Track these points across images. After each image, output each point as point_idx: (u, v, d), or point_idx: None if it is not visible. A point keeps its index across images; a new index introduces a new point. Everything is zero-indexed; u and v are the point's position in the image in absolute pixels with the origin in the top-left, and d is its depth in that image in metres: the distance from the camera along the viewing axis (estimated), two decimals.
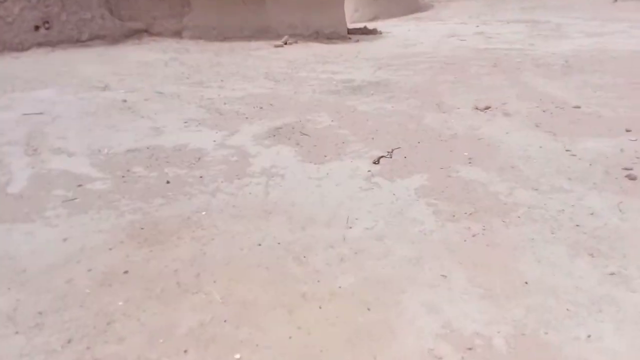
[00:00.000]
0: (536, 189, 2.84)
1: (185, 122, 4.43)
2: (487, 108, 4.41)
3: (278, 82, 6.08)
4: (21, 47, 6.88)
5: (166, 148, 3.77)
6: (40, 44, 7.07)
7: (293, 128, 4.21)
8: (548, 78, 5.69)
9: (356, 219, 2.58)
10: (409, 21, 14.00)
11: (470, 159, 3.35)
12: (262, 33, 9.47)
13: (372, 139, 3.87)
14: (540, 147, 3.53)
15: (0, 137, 3.86)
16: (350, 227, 2.48)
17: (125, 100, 5.06)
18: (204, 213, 2.69)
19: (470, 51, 8.05)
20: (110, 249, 2.34)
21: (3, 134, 3.94)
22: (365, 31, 11.39)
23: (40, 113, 4.47)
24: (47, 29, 7.11)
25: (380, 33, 11.45)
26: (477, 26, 11.56)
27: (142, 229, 2.52)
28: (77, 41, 7.54)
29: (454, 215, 2.54)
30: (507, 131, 3.87)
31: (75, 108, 4.72)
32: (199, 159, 3.55)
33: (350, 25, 12.75)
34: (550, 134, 3.80)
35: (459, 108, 4.58)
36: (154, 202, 2.83)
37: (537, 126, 3.98)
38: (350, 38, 10.62)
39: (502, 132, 3.87)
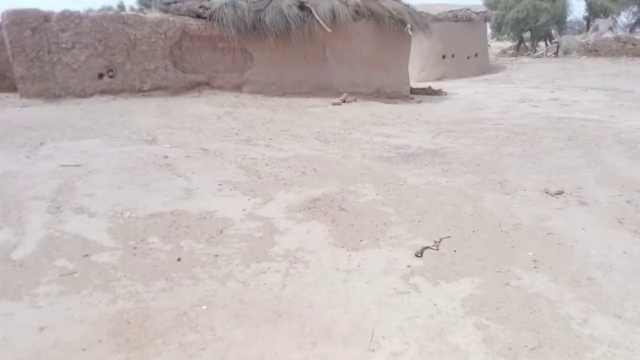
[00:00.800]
0: (619, 317, 2.21)
1: (220, 185, 4.16)
2: (560, 193, 3.79)
3: (328, 144, 5.77)
4: (84, 94, 7.11)
5: (191, 215, 3.47)
6: (103, 92, 7.28)
7: (332, 200, 3.80)
8: (633, 159, 4.96)
9: (382, 337, 2.07)
10: (477, 82, 13.52)
11: (535, 261, 2.75)
12: (322, 90, 9.34)
13: (419, 221, 3.37)
14: (624, 252, 2.87)
15: (29, 191, 3.74)
16: (373, 350, 1.98)
17: (166, 157, 4.91)
18: (204, 307, 2.30)
19: (542, 119, 7.41)
20: (83, 350, 1.98)
21: (33, 186, 3.84)
22: (429, 91, 11.03)
23: (78, 165, 4.39)
24: (110, 77, 7.33)
25: (445, 94, 11.04)
26: (552, 91, 10.86)
27: (128, 323, 2.16)
28: (139, 91, 7.72)
29: (510, 349, 1.97)
30: (583, 226, 3.24)
31: (115, 162, 4.60)
32: (222, 231, 3.20)
33: (415, 85, 12.45)
34: (636, 234, 3.13)
35: (525, 190, 3.98)
36: (154, 286, 2.48)
37: (620, 222, 3.31)
38: (412, 98, 10.28)
39: (577, 227, 3.24)
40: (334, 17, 8.60)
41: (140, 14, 7.68)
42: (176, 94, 7.98)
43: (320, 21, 8.49)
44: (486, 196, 3.87)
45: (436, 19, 14.15)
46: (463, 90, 11.64)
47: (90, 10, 7.69)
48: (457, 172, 4.56)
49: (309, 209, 3.64)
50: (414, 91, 10.90)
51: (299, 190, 4.05)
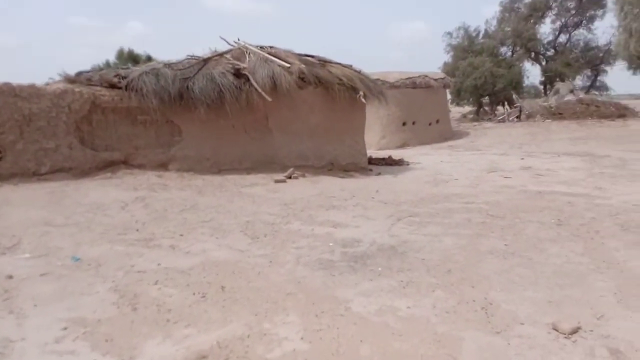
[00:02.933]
0: None
1: (65, 329, 2.70)
2: (575, 331, 2.48)
3: (255, 240, 4.40)
4: None
5: None
6: None
7: None
8: None
9: None
10: (441, 150, 12.65)
11: None
12: (266, 165, 8.11)
13: None
14: None
15: None
16: None
17: (11, 277, 3.43)
18: None
19: (519, 195, 6.29)
20: None
21: None
22: (389, 161, 9.96)
23: None
24: None
25: (407, 164, 9.99)
26: (522, 159, 9.98)
27: None
28: (34, 174, 6.27)
29: None
30: None
31: None
32: None
33: (375, 153, 11.46)
34: None
35: (522, 323, 2.66)
36: None
37: None
38: (371, 170, 9.16)
39: None
40: (274, 85, 7.54)
41: (37, 85, 6.40)
42: (83, 176, 6.55)
43: (259, 89, 7.40)
44: (466, 338, 2.52)
45: (393, 86, 13.49)
46: (426, 159, 10.65)
47: None
48: (422, 287, 3.23)
49: None
50: (372, 161, 9.82)
51: (183, 337, 2.62)
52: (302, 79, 8.06)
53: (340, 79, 8.24)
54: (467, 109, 30.82)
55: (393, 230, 4.70)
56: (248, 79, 7.55)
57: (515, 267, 3.55)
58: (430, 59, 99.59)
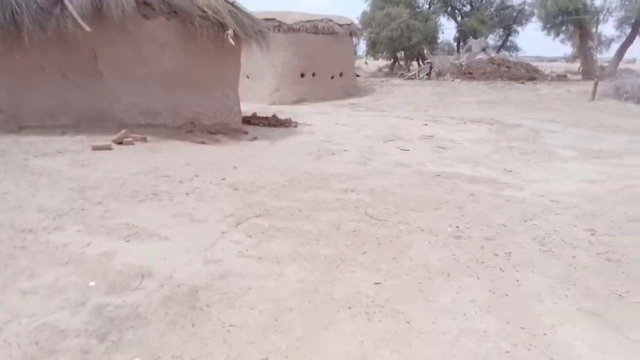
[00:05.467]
0: None
1: None
2: None
3: None
4: None
5: None
6: None
7: None
8: (590, 309, 2.43)
9: None
10: (341, 108, 11.07)
11: None
12: (95, 122, 6.01)
13: None
14: None
15: None
16: None
17: None
18: None
19: (413, 178, 4.89)
20: None
21: None
22: (273, 122, 8.18)
23: None
24: None
25: (295, 126, 8.29)
26: (426, 124, 8.69)
27: None
28: None
29: None
30: None
31: None
32: None
33: (262, 110, 9.56)
34: None
35: None
36: None
37: None
38: (245, 133, 7.36)
39: None
40: (99, 9, 5.37)
41: None
42: None
43: (74, 13, 5.20)
44: None
45: (291, 29, 11.55)
46: (320, 120, 9.03)
47: None
48: None
49: None
50: (252, 121, 8.02)
51: None
52: (148, 4, 5.93)
53: (204, 11, 6.20)
54: (383, 62, 29.58)
55: (217, 248, 3.02)
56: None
57: (379, 347, 2.04)
58: (354, 9, 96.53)
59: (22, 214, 3.41)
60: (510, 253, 3.06)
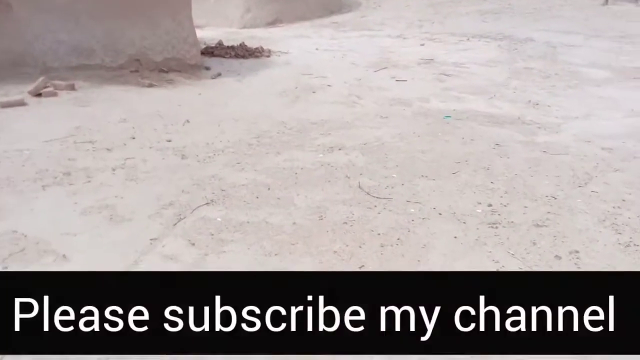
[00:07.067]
0: None
1: None
2: None
3: None
4: None
5: None
6: None
7: None
8: None
9: None
10: (323, 29, 9.59)
11: None
12: (10, 69, 4.73)
13: None
14: None
15: None
16: None
17: None
18: None
19: (417, 122, 3.82)
20: None
21: None
22: (241, 52, 6.83)
23: None
24: None
25: (268, 55, 6.98)
26: (422, 44, 7.40)
27: None
28: None
29: None
30: None
31: None
32: None
33: (230, 36, 8.06)
34: None
35: None
36: None
37: None
38: (207, 68, 6.09)
39: None
40: None
41: None
42: None
43: None
44: None
45: None
46: (299, 45, 7.67)
47: None
48: None
49: None
50: (215, 52, 6.67)
51: None
52: None
53: None
54: None
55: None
56: None
57: None
58: None
59: None
60: (577, 252, 2.07)
